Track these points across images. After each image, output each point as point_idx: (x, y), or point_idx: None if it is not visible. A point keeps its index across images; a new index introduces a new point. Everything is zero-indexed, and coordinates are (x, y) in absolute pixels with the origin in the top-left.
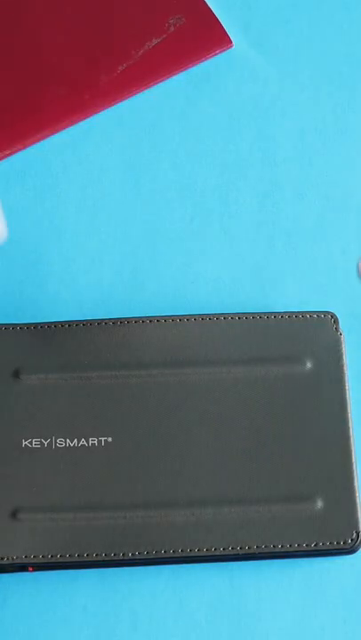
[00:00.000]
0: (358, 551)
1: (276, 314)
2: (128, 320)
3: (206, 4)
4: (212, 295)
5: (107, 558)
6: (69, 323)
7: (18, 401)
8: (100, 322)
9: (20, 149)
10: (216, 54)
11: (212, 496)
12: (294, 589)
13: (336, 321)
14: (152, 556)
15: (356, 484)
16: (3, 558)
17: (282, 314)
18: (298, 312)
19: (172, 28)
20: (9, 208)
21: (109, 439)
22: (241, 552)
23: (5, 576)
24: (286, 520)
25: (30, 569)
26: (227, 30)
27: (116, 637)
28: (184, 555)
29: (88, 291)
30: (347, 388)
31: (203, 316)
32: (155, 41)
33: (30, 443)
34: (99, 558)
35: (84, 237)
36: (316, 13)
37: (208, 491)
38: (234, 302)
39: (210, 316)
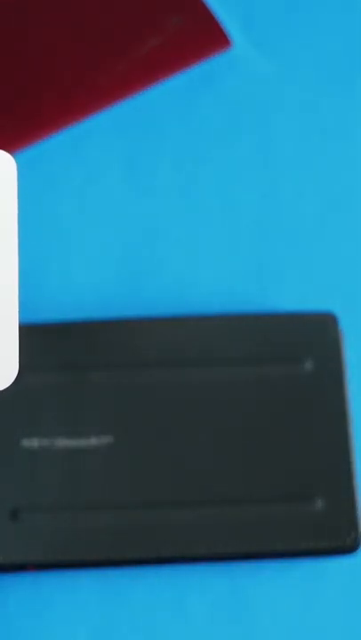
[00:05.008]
0: (358, 551)
1: (276, 314)
2: (128, 320)
3: (206, 4)
4: (212, 295)
5: (107, 558)
6: (69, 323)
7: (18, 401)
8: (100, 322)
9: (19, 150)
10: (216, 54)
11: (212, 496)
12: (294, 589)
13: (336, 321)
14: (152, 556)
15: (356, 483)
16: (3, 558)
17: (282, 314)
18: (298, 312)
19: (171, 29)
20: None
21: (109, 439)
22: (241, 552)
23: (5, 576)
24: (286, 520)
25: (30, 569)
26: (227, 30)
27: (116, 637)
28: (184, 555)
29: (88, 291)
30: (347, 387)
31: (203, 316)
32: (154, 41)
33: (30, 443)
34: (99, 558)
35: (84, 237)
36: (317, 13)
37: (208, 491)
38: (234, 302)
39: (210, 316)
